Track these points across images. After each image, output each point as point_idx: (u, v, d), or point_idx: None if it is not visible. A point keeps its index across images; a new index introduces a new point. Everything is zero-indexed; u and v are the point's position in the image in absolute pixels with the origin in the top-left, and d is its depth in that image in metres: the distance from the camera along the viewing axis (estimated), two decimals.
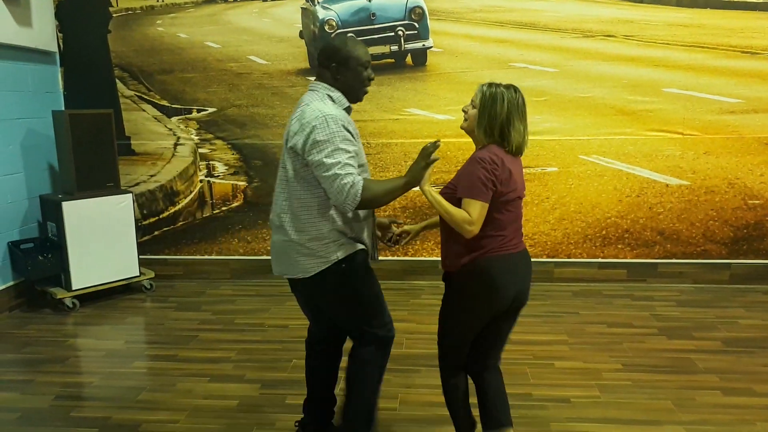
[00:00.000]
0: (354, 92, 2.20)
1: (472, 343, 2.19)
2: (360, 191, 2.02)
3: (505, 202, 2.04)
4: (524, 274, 2.14)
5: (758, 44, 4.18)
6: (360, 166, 2.14)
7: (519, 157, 2.12)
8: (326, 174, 2.03)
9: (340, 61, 2.14)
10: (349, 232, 2.18)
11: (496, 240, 2.05)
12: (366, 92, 2.24)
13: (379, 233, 2.39)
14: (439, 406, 2.77)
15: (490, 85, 2.08)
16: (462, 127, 2.16)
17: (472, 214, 1.97)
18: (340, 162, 2.02)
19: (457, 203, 2.02)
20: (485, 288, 2.05)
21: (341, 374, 2.43)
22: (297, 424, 2.56)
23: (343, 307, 2.27)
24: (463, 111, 2.14)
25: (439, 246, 2.22)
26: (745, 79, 4.21)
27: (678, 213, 4.37)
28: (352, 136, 2.11)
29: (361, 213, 2.22)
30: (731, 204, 4.32)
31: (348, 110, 2.20)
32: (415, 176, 2.00)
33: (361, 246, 2.23)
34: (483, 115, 2.05)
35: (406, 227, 2.41)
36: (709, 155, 4.29)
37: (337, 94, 2.17)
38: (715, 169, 4.30)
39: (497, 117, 2.03)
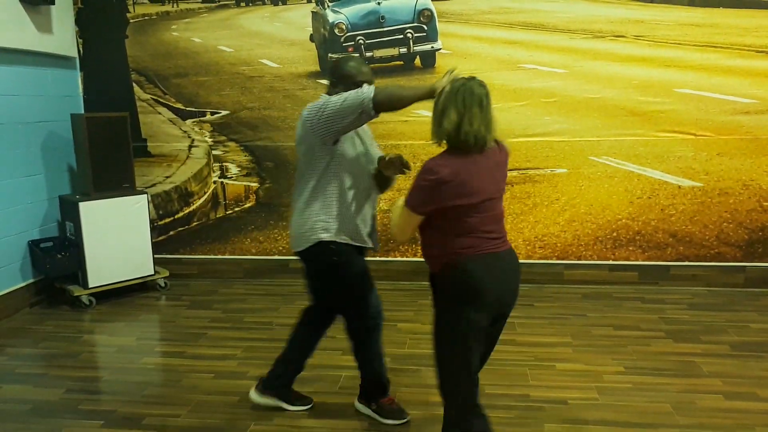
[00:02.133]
0: None
1: None
2: (374, 89, 2.23)
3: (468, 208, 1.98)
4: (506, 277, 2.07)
5: None
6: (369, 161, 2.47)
7: (487, 152, 1.99)
8: (343, 102, 2.26)
9: (339, 78, 2.43)
10: (334, 219, 2.42)
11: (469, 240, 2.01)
12: None
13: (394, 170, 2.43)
14: (437, 406, 2.80)
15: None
16: None
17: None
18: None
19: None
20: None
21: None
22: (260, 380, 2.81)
23: (323, 288, 2.59)
24: None
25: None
26: (759, 78, 4.13)
27: (691, 215, 4.31)
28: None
29: (353, 206, 2.44)
30: (746, 206, 4.25)
31: None
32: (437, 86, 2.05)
33: (345, 239, 2.45)
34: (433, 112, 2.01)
35: None
36: (722, 156, 4.22)
37: None
38: (728, 171, 4.23)
39: (437, 107, 1.99)
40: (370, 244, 2.54)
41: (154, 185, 4.82)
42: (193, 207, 4.84)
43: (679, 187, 4.29)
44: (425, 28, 4.39)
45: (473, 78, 2.01)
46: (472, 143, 1.95)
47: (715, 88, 4.19)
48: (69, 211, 4.33)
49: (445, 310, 2.08)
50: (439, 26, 4.39)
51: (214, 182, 4.79)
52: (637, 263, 4.42)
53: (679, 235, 4.34)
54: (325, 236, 2.41)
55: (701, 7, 4.19)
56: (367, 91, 2.23)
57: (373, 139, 2.63)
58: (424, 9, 4.38)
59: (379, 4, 4.42)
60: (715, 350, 3.32)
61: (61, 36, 4.51)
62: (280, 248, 4.77)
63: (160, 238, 4.85)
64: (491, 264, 2.01)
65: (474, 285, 1.99)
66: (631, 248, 4.41)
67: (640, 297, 4.22)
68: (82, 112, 4.74)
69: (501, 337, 3.50)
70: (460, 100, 1.95)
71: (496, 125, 2.00)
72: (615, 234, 4.41)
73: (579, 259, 4.47)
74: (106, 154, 4.29)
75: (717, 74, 4.19)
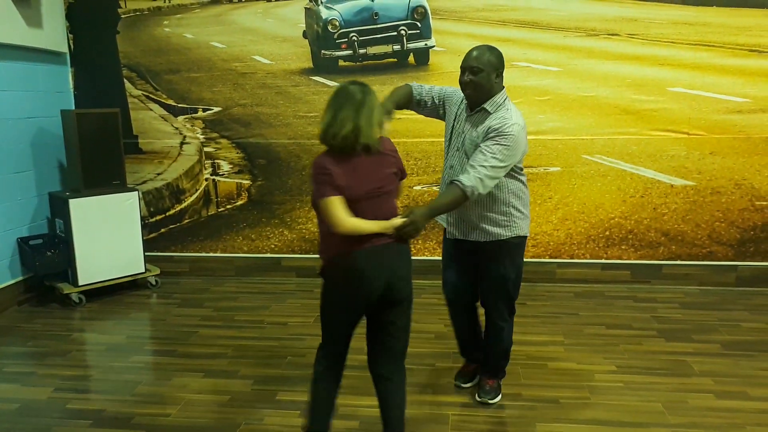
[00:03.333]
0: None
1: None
2: None
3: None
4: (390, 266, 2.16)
5: (766, 42, 4.10)
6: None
7: (364, 152, 2.07)
8: None
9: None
10: None
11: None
12: (465, 95, 2.60)
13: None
14: (431, 405, 2.79)
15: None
16: None
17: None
18: None
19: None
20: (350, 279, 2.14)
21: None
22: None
23: None
24: None
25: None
26: (752, 78, 4.14)
27: (683, 214, 4.31)
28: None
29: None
30: (738, 205, 4.25)
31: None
32: None
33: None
34: None
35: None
36: (715, 155, 4.23)
37: None
38: (721, 170, 4.23)
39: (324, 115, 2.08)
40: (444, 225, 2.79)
41: (145, 182, 4.78)
42: (184, 204, 4.81)
43: (672, 186, 4.30)
44: (419, 25, 4.37)
45: (354, 82, 2.10)
46: (340, 145, 2.04)
47: (708, 87, 4.19)
48: (59, 208, 4.29)
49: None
50: (433, 23, 4.37)
51: (206, 179, 4.76)
52: (629, 262, 4.42)
53: (671, 234, 4.35)
54: None
55: (694, 6, 4.18)
56: None
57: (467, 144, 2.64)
58: (417, 6, 4.36)
59: (372, 0, 4.40)
60: (707, 349, 3.33)
61: (51, 31, 4.46)
62: (272, 246, 4.75)
63: (151, 235, 4.82)
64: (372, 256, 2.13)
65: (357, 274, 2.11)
66: (623, 247, 4.41)
67: (633, 296, 4.23)
68: (73, 108, 4.69)
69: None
70: (334, 102, 2.06)
71: (375, 128, 2.06)
72: (607, 233, 4.41)
73: (571, 258, 4.46)
74: (97, 150, 4.25)
75: (710, 73, 4.19)
